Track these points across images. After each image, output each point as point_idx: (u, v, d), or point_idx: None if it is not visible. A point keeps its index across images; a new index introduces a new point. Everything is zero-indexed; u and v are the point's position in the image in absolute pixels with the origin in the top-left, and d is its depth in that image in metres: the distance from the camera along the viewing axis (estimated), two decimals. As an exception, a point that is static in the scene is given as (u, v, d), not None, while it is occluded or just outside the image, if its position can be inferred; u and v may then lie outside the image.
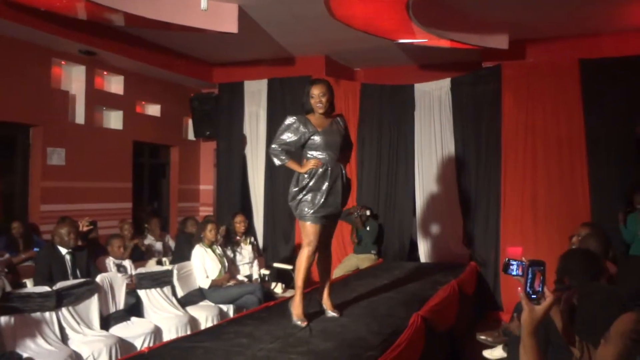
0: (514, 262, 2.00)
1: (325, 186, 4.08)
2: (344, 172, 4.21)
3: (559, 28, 7.04)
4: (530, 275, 1.88)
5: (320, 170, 4.09)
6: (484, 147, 7.67)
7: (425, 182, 7.97)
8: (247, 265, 6.92)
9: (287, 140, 4.13)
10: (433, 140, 7.94)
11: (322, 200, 4.06)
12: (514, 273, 1.99)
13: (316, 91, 4.10)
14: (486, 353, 5.49)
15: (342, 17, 6.26)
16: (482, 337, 5.61)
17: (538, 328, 1.89)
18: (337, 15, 6.18)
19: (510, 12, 6.44)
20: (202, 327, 5.43)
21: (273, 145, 4.17)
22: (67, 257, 5.35)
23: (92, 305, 4.96)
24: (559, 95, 7.28)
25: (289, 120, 4.14)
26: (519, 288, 1.90)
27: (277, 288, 6.99)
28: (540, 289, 1.87)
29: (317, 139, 4.09)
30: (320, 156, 4.11)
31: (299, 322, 4.08)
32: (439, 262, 7.60)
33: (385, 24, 6.66)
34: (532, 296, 1.87)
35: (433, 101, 7.97)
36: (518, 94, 7.46)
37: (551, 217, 7.23)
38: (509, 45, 6.93)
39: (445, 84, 7.92)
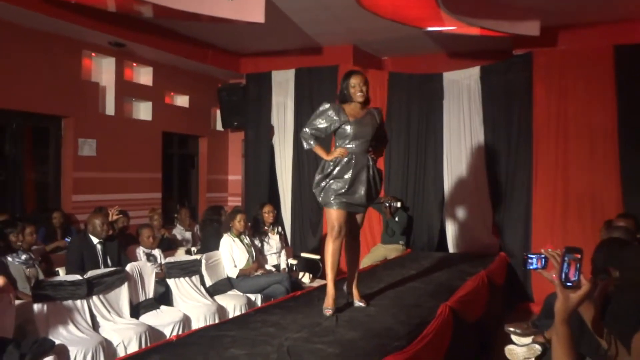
0: (533, 256, 1.97)
1: (348, 175, 4.11)
2: (371, 164, 4.19)
3: (592, 13, 6.85)
4: (566, 263, 1.83)
5: (345, 159, 4.12)
6: (515, 137, 7.53)
7: (454, 172, 7.88)
8: (275, 255, 6.94)
9: (319, 126, 4.19)
10: (462, 130, 7.84)
11: (346, 187, 4.10)
12: (534, 267, 1.96)
13: (356, 80, 4.17)
14: (515, 339, 5.42)
15: (369, 5, 6.20)
16: (511, 329, 5.53)
17: (571, 317, 1.85)
18: (364, 3, 6.12)
19: (542, -3, 6.31)
20: (230, 316, 5.47)
21: (305, 129, 4.23)
22: (99, 246, 5.44)
23: (123, 294, 5.02)
24: (592, 83, 7.10)
25: (324, 106, 4.20)
26: (554, 275, 1.85)
27: (305, 278, 7.00)
28: (576, 276, 1.82)
29: (347, 128, 4.13)
30: (348, 146, 4.15)
31: (325, 312, 4.10)
32: (468, 252, 7.52)
33: (413, 12, 6.57)
34: (567, 284, 1.82)
35: (462, 90, 7.85)
36: (550, 82, 7.31)
37: (583, 207, 7.08)
38: (540, 32, 6.76)
39: (474, 72, 7.80)
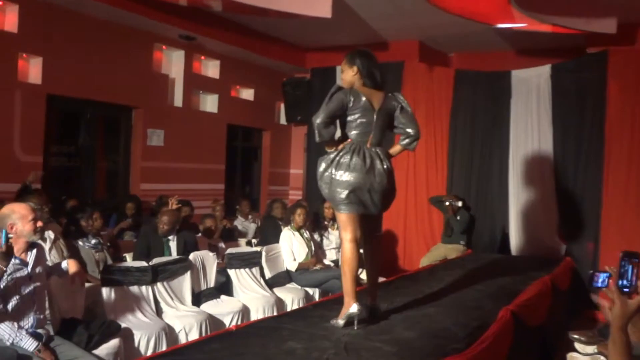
0: (600, 274, 1.94)
1: None
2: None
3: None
4: (623, 268, 1.78)
5: None
6: (586, 138, 7.28)
7: (520, 173, 7.68)
8: (334, 250, 6.96)
9: None
10: (530, 130, 7.63)
11: None
12: (599, 285, 1.94)
13: None
14: (579, 347, 5.24)
15: (436, 0, 6.10)
16: (575, 336, 5.35)
17: (628, 323, 1.80)
18: (432, -1, 6.03)
19: (620, -7, 6.04)
20: (288, 308, 5.54)
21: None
22: (164, 238, 5.60)
23: (185, 282, 5.16)
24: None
25: None
26: (611, 281, 1.81)
27: (363, 274, 6.97)
28: (633, 281, 1.77)
29: None
30: None
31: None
32: (532, 255, 7.33)
33: (482, 8, 6.42)
34: (625, 289, 1.78)
35: (531, 89, 7.64)
36: (625, 83, 7.00)
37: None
38: (617, 29, 6.48)
39: (545, 70, 7.57)
